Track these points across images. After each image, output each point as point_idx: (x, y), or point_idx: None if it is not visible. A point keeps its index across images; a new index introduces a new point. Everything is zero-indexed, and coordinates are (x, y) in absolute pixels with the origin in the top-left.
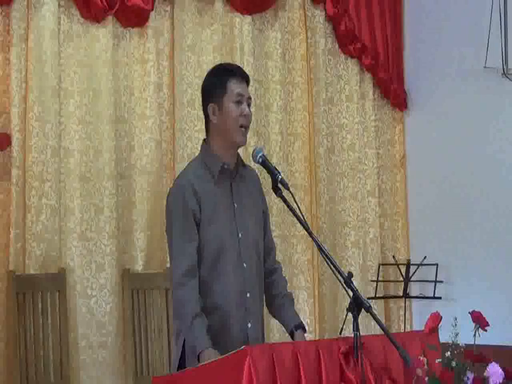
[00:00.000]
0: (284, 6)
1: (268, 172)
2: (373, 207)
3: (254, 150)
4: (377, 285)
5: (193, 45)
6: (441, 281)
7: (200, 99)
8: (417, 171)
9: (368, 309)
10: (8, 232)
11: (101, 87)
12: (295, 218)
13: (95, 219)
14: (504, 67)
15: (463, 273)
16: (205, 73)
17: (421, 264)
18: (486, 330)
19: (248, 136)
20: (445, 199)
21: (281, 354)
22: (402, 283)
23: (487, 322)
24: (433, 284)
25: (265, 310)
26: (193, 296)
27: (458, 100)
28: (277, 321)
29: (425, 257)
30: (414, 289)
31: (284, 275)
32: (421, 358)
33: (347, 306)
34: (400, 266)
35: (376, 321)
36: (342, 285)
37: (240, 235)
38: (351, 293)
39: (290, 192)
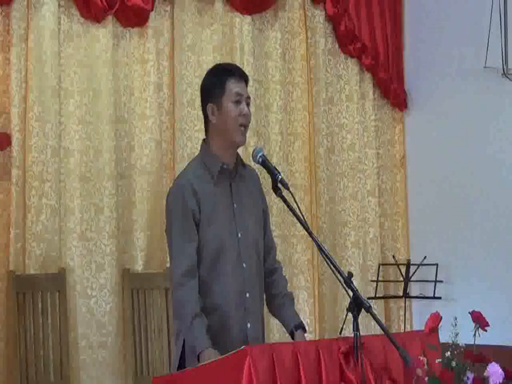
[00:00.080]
0: (283, 6)
1: (267, 172)
2: (373, 207)
3: (254, 150)
4: (377, 285)
5: (193, 44)
6: (441, 281)
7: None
8: (417, 171)
9: (368, 309)
10: (8, 232)
11: (101, 87)
12: (295, 218)
13: (95, 219)
14: (504, 67)
15: (463, 273)
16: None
17: (421, 264)
18: (486, 330)
19: (248, 136)
20: (445, 199)
21: (281, 354)
22: (402, 283)
23: (487, 322)
24: (433, 283)
25: (266, 309)
26: (192, 296)
27: (458, 99)
28: (277, 321)
29: (425, 257)
30: (414, 289)
31: (284, 275)
32: (421, 358)
33: (347, 306)
34: (400, 266)
35: (376, 321)
36: (342, 285)
37: (239, 235)
38: (351, 293)
39: (290, 192)
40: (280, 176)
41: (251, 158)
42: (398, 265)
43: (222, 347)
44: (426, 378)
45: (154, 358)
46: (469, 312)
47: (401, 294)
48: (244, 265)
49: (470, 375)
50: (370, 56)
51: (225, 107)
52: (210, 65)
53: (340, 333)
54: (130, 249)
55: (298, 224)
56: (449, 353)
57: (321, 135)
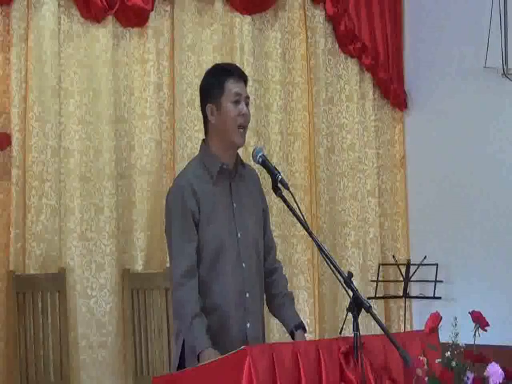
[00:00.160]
0: (284, 6)
1: (267, 172)
2: (373, 207)
3: (254, 150)
4: (377, 285)
5: (193, 44)
6: (441, 281)
7: None
8: (417, 171)
9: (368, 309)
10: (8, 232)
11: (101, 87)
12: (295, 218)
13: (95, 219)
14: (504, 67)
15: (463, 273)
16: None
17: (421, 264)
18: (486, 330)
19: (248, 136)
20: (445, 199)
21: (281, 354)
22: (402, 283)
23: (487, 322)
24: (433, 283)
25: (266, 309)
26: (192, 296)
27: (458, 100)
28: (277, 321)
29: (425, 257)
30: (414, 289)
31: (284, 274)
32: (421, 358)
33: (347, 306)
34: (400, 266)
35: (376, 321)
36: (342, 285)
37: (239, 235)
38: (351, 293)
39: (290, 192)
40: (280, 176)
41: (251, 158)
42: (398, 265)
43: (222, 347)
44: (426, 378)
45: (154, 358)
46: (469, 312)
47: (401, 294)
48: (244, 265)
49: (470, 375)
50: (370, 56)
51: (224, 107)
52: (210, 65)
53: (340, 333)
54: (130, 249)
55: (298, 224)
56: (449, 353)
57: (321, 135)
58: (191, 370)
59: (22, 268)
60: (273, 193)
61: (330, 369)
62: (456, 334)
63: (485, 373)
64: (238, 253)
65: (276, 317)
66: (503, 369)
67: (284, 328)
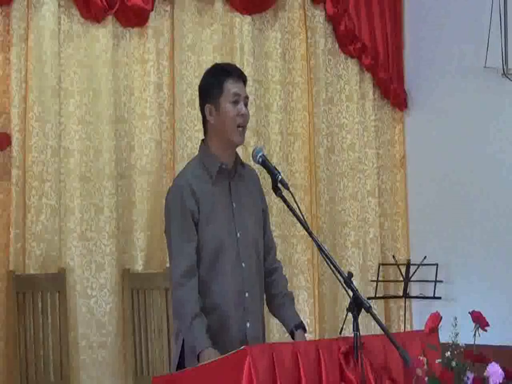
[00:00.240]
0: (283, 6)
1: (267, 172)
2: (373, 207)
3: (254, 150)
4: (377, 285)
5: (193, 44)
6: (441, 281)
7: None
8: (417, 171)
9: (368, 309)
10: (8, 232)
11: (101, 87)
12: (295, 218)
13: (95, 219)
14: (504, 67)
15: (463, 273)
16: None
17: (421, 264)
18: (486, 330)
19: (248, 136)
20: (445, 199)
21: (281, 354)
22: (402, 283)
23: (487, 322)
24: (433, 283)
25: (266, 309)
26: (192, 296)
27: (458, 100)
28: (277, 321)
29: (425, 257)
30: (414, 289)
31: (284, 274)
32: (421, 358)
33: (347, 306)
34: (400, 266)
35: (376, 321)
36: (342, 285)
37: (238, 234)
38: (351, 293)
39: (290, 192)
40: (280, 176)
41: (251, 158)
42: (398, 265)
43: (222, 347)
44: (426, 378)
45: (154, 358)
46: (469, 312)
47: (401, 294)
48: (243, 264)
49: (470, 375)
50: (370, 56)
51: (223, 107)
52: (210, 65)
53: (340, 333)
54: (130, 249)
55: (298, 224)
56: (449, 353)
57: (321, 135)
58: (191, 370)
59: (22, 267)
60: (273, 193)
61: (330, 369)
62: (456, 334)
63: (485, 373)
64: (237, 253)
65: (275, 317)
66: (503, 369)
67: (283, 328)
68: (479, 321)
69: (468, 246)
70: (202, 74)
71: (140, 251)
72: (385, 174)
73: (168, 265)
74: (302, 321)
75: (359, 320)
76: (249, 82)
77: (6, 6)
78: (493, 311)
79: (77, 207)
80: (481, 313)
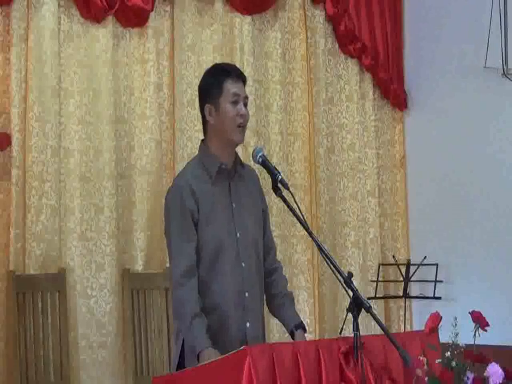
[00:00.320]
0: (284, 6)
1: (267, 172)
2: (373, 207)
3: (254, 150)
4: (377, 285)
5: (193, 45)
6: (441, 281)
7: None
8: (417, 171)
9: (368, 309)
10: (8, 232)
11: (101, 87)
12: (295, 218)
13: (95, 219)
14: (504, 67)
15: (463, 273)
16: None
17: (421, 264)
18: (486, 330)
19: (248, 136)
20: (445, 199)
21: (281, 354)
22: (402, 283)
23: (487, 322)
24: (433, 283)
25: (266, 309)
26: (192, 296)
27: (458, 99)
28: (277, 321)
29: (425, 257)
30: (414, 289)
31: (284, 274)
32: (421, 358)
33: (347, 306)
34: (400, 266)
35: (376, 321)
36: (342, 285)
37: (238, 235)
38: (351, 293)
39: (290, 192)
40: (280, 176)
41: (251, 158)
42: (398, 265)
43: (222, 346)
44: (426, 378)
45: (154, 358)
46: (469, 312)
47: (401, 294)
48: (243, 264)
49: (470, 375)
50: (370, 56)
51: (222, 107)
52: (210, 65)
53: (340, 333)
54: (130, 249)
55: (298, 224)
56: (449, 353)
57: (321, 135)
58: (191, 370)
59: (22, 267)
60: (273, 193)
61: (330, 369)
62: (456, 334)
63: (485, 373)
64: (237, 253)
65: (275, 317)
66: (503, 369)
67: (283, 328)
68: (479, 321)
69: (468, 246)
70: (202, 74)
71: (140, 251)
72: (385, 174)
73: (168, 265)
74: (302, 321)
75: (359, 320)
76: (249, 82)
77: (6, 6)
78: (493, 311)
79: (77, 207)
80: (481, 313)
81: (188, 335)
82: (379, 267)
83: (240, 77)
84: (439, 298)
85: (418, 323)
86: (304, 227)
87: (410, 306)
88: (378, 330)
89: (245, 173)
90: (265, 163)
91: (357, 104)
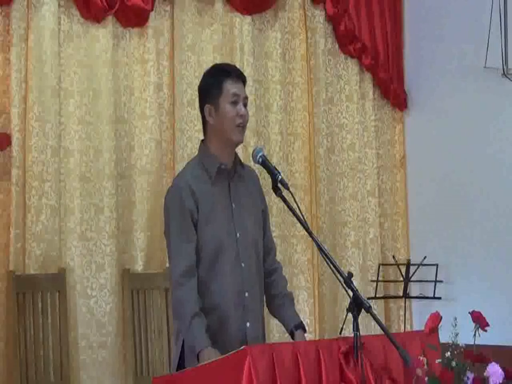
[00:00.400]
0: (284, 6)
1: (267, 172)
2: (373, 207)
3: (254, 150)
4: (377, 285)
5: (193, 45)
6: (441, 281)
7: None
8: (417, 171)
9: (368, 309)
10: (8, 232)
11: (101, 87)
12: (295, 218)
13: (95, 219)
14: (504, 67)
15: (463, 273)
16: None
17: (421, 264)
18: (486, 330)
19: (248, 136)
20: (445, 199)
21: (281, 354)
22: (402, 283)
23: (487, 322)
24: (433, 283)
25: (266, 309)
26: (192, 296)
27: (458, 99)
28: (277, 321)
29: (425, 257)
30: (414, 289)
31: (284, 275)
32: (421, 358)
33: (347, 306)
34: (400, 266)
35: (376, 321)
36: (342, 285)
37: (238, 235)
38: (351, 293)
39: (290, 192)
40: (280, 176)
41: (251, 158)
42: (398, 265)
43: (221, 347)
44: (426, 378)
45: (154, 358)
46: (469, 312)
47: (401, 294)
48: (243, 264)
49: (470, 375)
50: (370, 56)
51: (222, 108)
52: (210, 65)
53: (340, 333)
54: (130, 249)
55: (298, 224)
56: (449, 353)
57: (321, 135)
58: (191, 370)
59: (22, 267)
60: (273, 193)
61: (330, 369)
62: (456, 334)
63: (485, 373)
64: (237, 253)
65: (275, 317)
66: (503, 369)
67: (283, 328)
68: (479, 321)
69: (468, 246)
70: (202, 75)
71: (140, 251)
72: (385, 174)
73: (168, 265)
74: (301, 321)
75: (359, 320)
76: (249, 82)
77: (6, 6)
78: (493, 311)
79: (77, 207)
80: (481, 313)
81: (187, 335)
82: (379, 267)
83: (240, 77)
84: (439, 298)
85: (418, 323)
86: (304, 227)
87: (410, 306)
88: (378, 330)
89: (245, 173)
90: (265, 163)
91: (357, 104)
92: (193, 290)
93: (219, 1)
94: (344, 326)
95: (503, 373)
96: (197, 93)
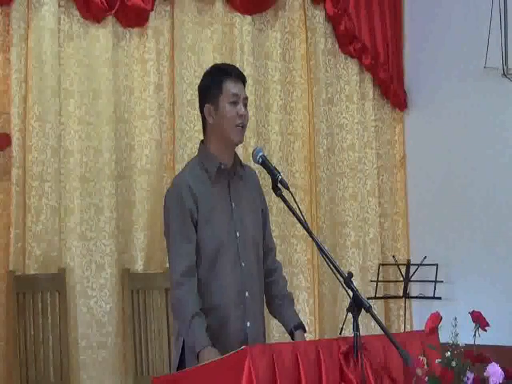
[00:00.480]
0: (284, 6)
1: (267, 172)
2: (373, 207)
3: (254, 150)
4: (377, 285)
5: (193, 45)
6: (441, 281)
7: None
8: (417, 171)
9: (368, 309)
10: (8, 232)
11: (101, 87)
12: (295, 218)
13: (95, 219)
14: (504, 67)
15: (463, 273)
16: None
17: (421, 264)
18: (486, 330)
19: (248, 136)
20: (445, 199)
21: (281, 354)
22: (402, 283)
23: (487, 322)
24: (433, 283)
25: (266, 309)
26: (191, 296)
27: (458, 100)
28: (277, 321)
29: (425, 257)
30: (414, 289)
31: (284, 275)
32: (421, 358)
33: (347, 306)
34: (400, 266)
35: (376, 321)
36: (342, 285)
37: (238, 234)
38: (351, 293)
39: (290, 192)
40: (280, 176)
41: (251, 158)
42: (398, 265)
43: (222, 346)
44: (426, 378)
45: (154, 358)
46: (469, 312)
47: (401, 294)
48: (243, 264)
49: (470, 375)
50: (370, 56)
51: (222, 108)
52: (210, 65)
53: (340, 333)
54: (130, 249)
55: (298, 224)
56: (449, 353)
57: (321, 135)
58: (191, 370)
59: (22, 268)
60: (273, 193)
61: (330, 369)
62: (456, 334)
63: (485, 373)
64: (237, 253)
65: (275, 317)
66: (503, 369)
67: (283, 328)
68: (479, 321)
69: (468, 246)
70: (202, 75)
71: (140, 251)
72: (385, 174)
73: (168, 265)
74: (301, 322)
75: (359, 320)
76: (249, 82)
77: (6, 6)
78: (493, 311)
79: (77, 207)
80: (481, 313)
81: (187, 335)
82: (379, 267)
83: (240, 78)
84: (439, 298)
85: (418, 323)
86: (304, 227)
87: (410, 306)
88: (378, 330)
89: (245, 173)
90: (265, 163)
91: (357, 104)
92: (193, 290)
93: (219, 1)
94: (344, 326)
95: (503, 373)
96: (197, 93)
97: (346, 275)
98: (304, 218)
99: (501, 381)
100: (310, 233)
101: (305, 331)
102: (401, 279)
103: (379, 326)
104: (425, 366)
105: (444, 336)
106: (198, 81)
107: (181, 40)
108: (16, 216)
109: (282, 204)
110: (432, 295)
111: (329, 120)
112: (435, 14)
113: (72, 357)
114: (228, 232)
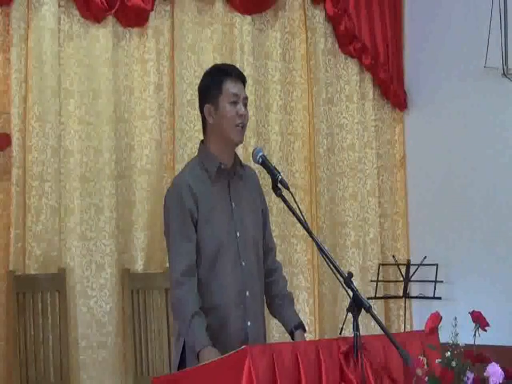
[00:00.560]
0: (284, 6)
1: (267, 172)
2: (373, 207)
3: (254, 150)
4: (377, 285)
5: (193, 44)
6: (441, 281)
7: None
8: (417, 171)
9: (368, 309)
10: (8, 232)
11: (101, 87)
12: (295, 218)
13: (95, 219)
14: (504, 67)
15: (463, 273)
16: None
17: (421, 264)
18: (486, 330)
19: (248, 136)
20: (445, 199)
21: (281, 354)
22: (402, 283)
23: (487, 322)
24: (433, 284)
25: (266, 309)
26: (191, 295)
27: (458, 100)
28: (277, 321)
29: (425, 257)
30: (414, 289)
31: (284, 275)
32: (421, 358)
33: (347, 306)
34: (400, 266)
35: (376, 321)
36: (342, 285)
37: (238, 234)
38: (351, 293)
39: (290, 192)
40: (280, 176)
41: (251, 158)
42: (398, 265)
43: (222, 346)
44: (426, 378)
45: (154, 358)
46: (469, 312)
47: (401, 294)
48: (243, 264)
49: (470, 375)
50: (370, 56)
51: (222, 108)
52: (210, 65)
53: (340, 333)
54: (130, 249)
55: (298, 224)
56: (449, 353)
57: (321, 135)
58: (191, 370)
59: (22, 267)
60: (273, 193)
61: (330, 369)
62: (456, 334)
63: (485, 373)
64: (237, 252)
65: (275, 317)
66: (503, 369)
67: (283, 328)
68: (479, 321)
69: (468, 246)
70: (202, 75)
71: (140, 251)
72: (385, 174)
73: (168, 265)
74: (301, 321)
75: (359, 320)
76: (249, 82)
77: (6, 6)
78: (493, 311)
79: (77, 207)
80: (481, 313)
81: (187, 334)
82: (379, 267)
83: (240, 78)
84: (439, 298)
85: (418, 323)
86: (304, 227)
87: (410, 306)
88: (378, 330)
89: (245, 173)
90: (265, 163)
91: (357, 104)
92: (193, 290)
93: (219, 1)
94: (344, 326)
95: (503, 373)
96: (197, 93)
97: (346, 275)
98: (304, 218)
99: (501, 381)
100: (310, 233)
101: (305, 331)
102: (401, 279)
103: (379, 326)
104: (425, 366)
105: (444, 336)
106: (198, 81)
107: (181, 40)
108: (16, 216)
109: (282, 204)
110: (432, 295)
111: (329, 120)
112: (435, 14)
113: (72, 357)
114: (228, 232)
